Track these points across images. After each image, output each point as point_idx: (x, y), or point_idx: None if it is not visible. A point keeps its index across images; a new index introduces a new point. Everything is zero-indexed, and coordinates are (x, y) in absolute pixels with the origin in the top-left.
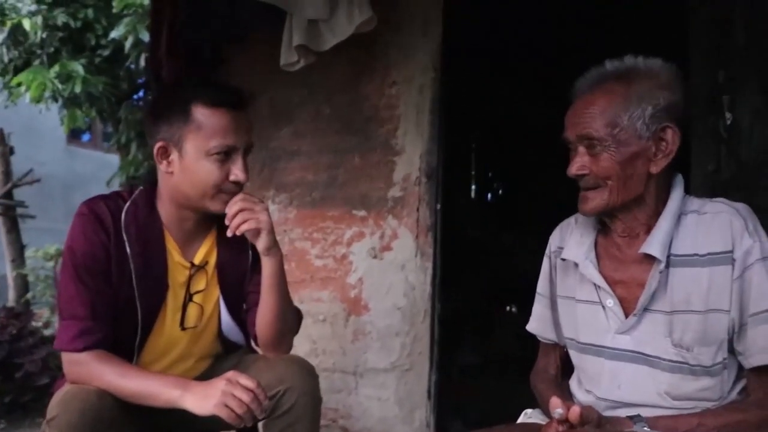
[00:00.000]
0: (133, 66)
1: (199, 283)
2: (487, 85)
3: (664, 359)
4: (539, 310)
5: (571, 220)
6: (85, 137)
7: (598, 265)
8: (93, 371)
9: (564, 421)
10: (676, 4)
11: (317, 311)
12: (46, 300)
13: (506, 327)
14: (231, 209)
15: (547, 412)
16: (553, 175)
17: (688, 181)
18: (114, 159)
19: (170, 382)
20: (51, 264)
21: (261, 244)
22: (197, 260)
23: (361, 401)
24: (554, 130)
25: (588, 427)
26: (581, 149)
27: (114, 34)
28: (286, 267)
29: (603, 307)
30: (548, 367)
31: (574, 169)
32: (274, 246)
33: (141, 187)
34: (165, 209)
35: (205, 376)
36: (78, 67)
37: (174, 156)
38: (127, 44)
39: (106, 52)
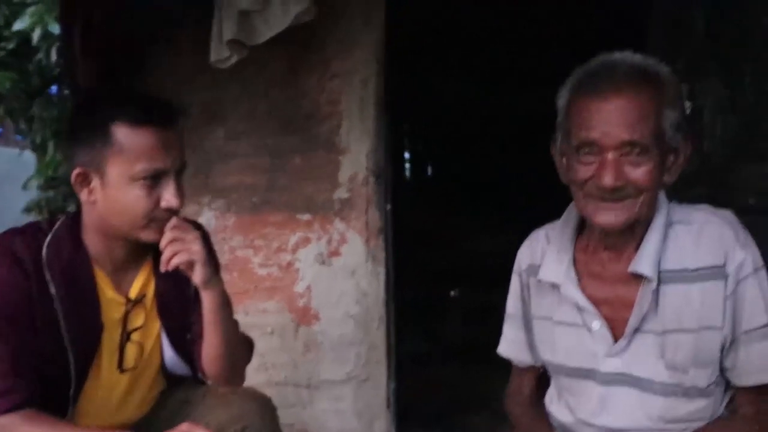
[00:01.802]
0: (44, 61)
1: (137, 320)
2: (422, 64)
3: (657, 382)
4: (511, 332)
5: (540, 234)
6: None
7: (579, 284)
8: None
9: None
10: None
11: (264, 323)
12: None
13: (450, 313)
14: (162, 241)
15: None
16: (487, 155)
17: None
18: (29, 156)
19: None
20: None
21: (196, 277)
22: (133, 294)
23: (317, 415)
24: (492, 111)
25: None
26: (612, 157)
27: (18, 25)
28: (227, 277)
29: (588, 329)
30: (522, 389)
31: (612, 181)
32: (212, 278)
33: (62, 218)
34: (91, 240)
35: (150, 415)
36: None
37: (95, 183)
38: (35, 36)
39: (10, 45)
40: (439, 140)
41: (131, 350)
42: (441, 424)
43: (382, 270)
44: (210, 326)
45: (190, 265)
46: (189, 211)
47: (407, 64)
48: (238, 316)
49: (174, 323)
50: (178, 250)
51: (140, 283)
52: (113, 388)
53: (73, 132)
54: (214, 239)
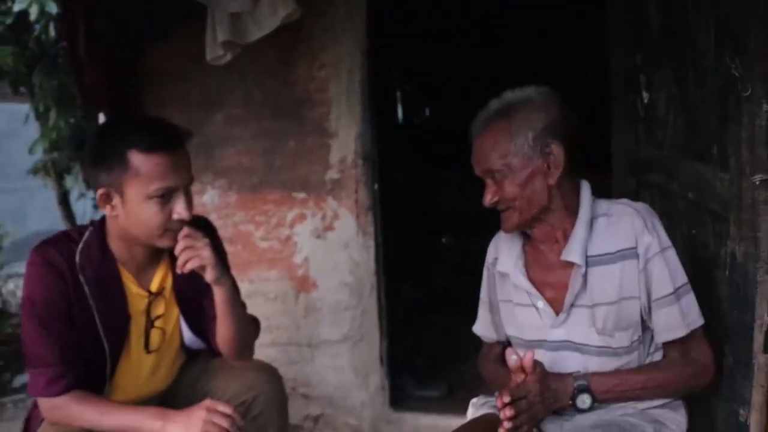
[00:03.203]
0: (43, 36)
1: (158, 309)
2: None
3: (592, 345)
4: (482, 314)
5: (502, 233)
6: None
7: (528, 271)
8: (73, 413)
9: (519, 369)
10: None
11: (267, 290)
12: None
13: (443, 259)
14: (177, 248)
15: (496, 386)
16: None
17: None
18: (27, 108)
19: (150, 413)
20: None
21: (208, 276)
22: (154, 288)
23: (318, 370)
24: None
25: (533, 377)
26: (489, 181)
27: (17, 7)
28: (232, 249)
29: (536, 308)
30: (489, 355)
31: (486, 200)
32: (221, 276)
33: (90, 228)
34: (116, 246)
35: (173, 385)
36: None
37: (116, 201)
38: (33, 12)
39: (9, 20)
40: (431, 86)
41: (155, 334)
42: (431, 374)
43: (372, 243)
44: (222, 314)
45: (202, 267)
46: (193, 189)
47: (399, 12)
48: (244, 284)
49: (190, 309)
50: (191, 257)
51: (159, 278)
52: (141, 366)
53: (95, 159)
54: (218, 215)
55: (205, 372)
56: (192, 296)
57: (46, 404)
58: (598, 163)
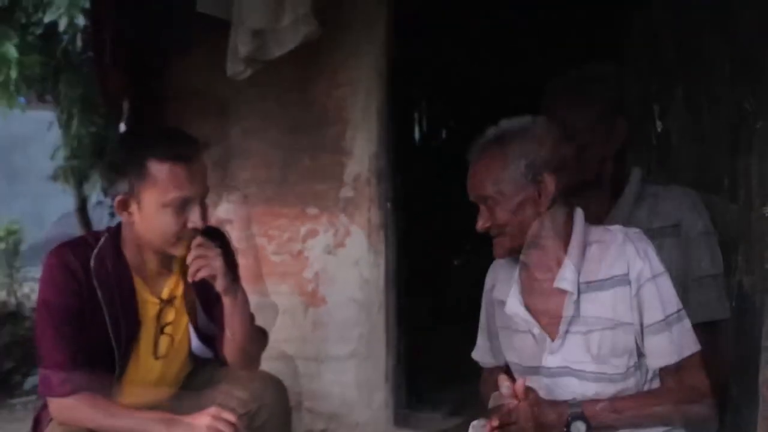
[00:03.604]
0: (70, 47)
1: (168, 316)
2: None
3: (588, 372)
4: (480, 340)
5: (501, 261)
6: (21, 100)
7: (524, 298)
8: (82, 414)
9: (511, 395)
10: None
11: (277, 303)
12: None
13: (455, 282)
14: (189, 257)
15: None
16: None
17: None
18: (51, 115)
19: (156, 418)
20: None
21: (218, 286)
22: (165, 295)
23: (323, 386)
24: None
25: (525, 404)
26: (482, 207)
27: (47, 18)
28: (243, 262)
29: (532, 334)
30: (490, 380)
31: (479, 225)
32: (231, 286)
33: (106, 233)
34: (131, 252)
35: (180, 393)
36: (11, 49)
37: (134, 208)
38: (62, 24)
39: (39, 30)
40: (450, 108)
41: (164, 341)
42: (436, 394)
43: (382, 261)
44: (231, 326)
45: (213, 277)
46: (208, 200)
47: (418, 30)
48: (254, 297)
49: (199, 318)
50: (202, 266)
51: (171, 286)
52: (149, 371)
53: (114, 165)
54: (232, 227)
55: (210, 380)
56: (201, 306)
57: (55, 404)
58: None
